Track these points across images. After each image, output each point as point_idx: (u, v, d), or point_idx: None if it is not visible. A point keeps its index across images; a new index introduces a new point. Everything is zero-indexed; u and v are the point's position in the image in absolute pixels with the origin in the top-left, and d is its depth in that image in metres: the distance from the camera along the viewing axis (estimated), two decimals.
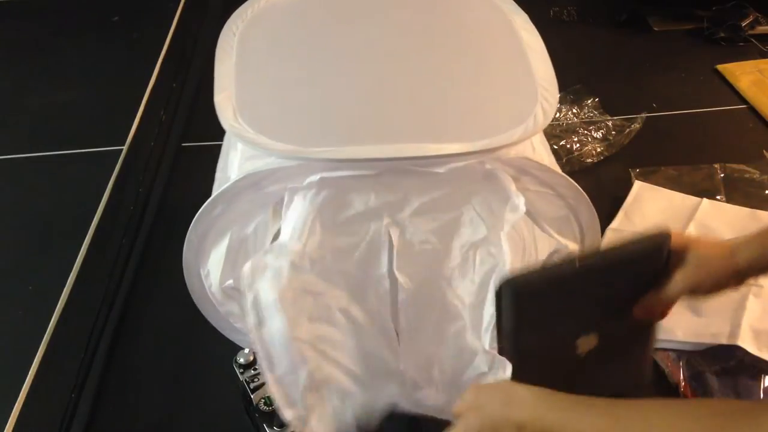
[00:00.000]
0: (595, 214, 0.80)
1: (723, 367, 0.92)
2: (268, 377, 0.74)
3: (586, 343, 0.63)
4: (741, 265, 0.61)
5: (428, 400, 0.83)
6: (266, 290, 0.71)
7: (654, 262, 0.62)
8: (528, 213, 0.75)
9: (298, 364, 0.74)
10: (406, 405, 0.83)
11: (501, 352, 0.63)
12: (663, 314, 0.64)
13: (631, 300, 0.63)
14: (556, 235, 0.81)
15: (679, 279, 0.62)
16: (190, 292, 0.85)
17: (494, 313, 0.63)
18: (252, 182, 0.74)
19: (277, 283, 0.74)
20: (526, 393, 0.55)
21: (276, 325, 0.72)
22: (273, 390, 0.74)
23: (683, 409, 0.54)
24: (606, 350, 0.63)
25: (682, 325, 0.97)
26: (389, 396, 0.82)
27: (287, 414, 0.74)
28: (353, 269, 0.80)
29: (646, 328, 0.65)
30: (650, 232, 0.63)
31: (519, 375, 0.62)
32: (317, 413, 0.76)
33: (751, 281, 0.63)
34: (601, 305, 0.63)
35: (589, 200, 0.78)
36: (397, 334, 0.85)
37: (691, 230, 1.13)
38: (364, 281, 0.81)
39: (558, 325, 0.62)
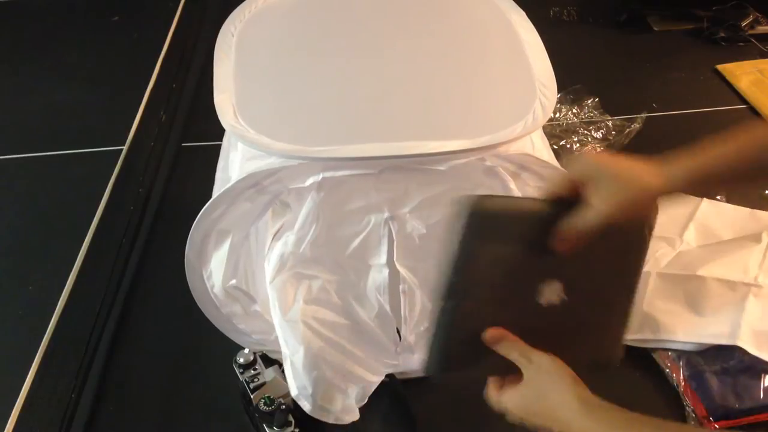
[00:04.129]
0: None
1: (723, 367, 0.92)
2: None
3: (550, 293, 0.59)
4: (668, 182, 0.55)
5: (416, 363, 0.91)
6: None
7: (635, 232, 0.58)
8: None
9: (296, 344, 0.80)
10: (395, 369, 0.91)
11: (453, 286, 0.58)
12: (575, 245, 0.57)
13: (604, 257, 0.59)
14: None
15: (595, 202, 0.54)
16: (192, 293, 0.85)
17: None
18: (253, 182, 0.74)
19: (275, 269, 0.79)
20: (571, 398, 0.53)
21: (274, 308, 0.78)
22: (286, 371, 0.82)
23: None
24: (573, 311, 0.60)
25: (682, 325, 0.98)
26: (378, 366, 0.89)
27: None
28: (352, 257, 0.82)
29: (621, 301, 0.62)
30: None
31: (471, 314, 0.59)
32: (321, 391, 0.81)
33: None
34: (569, 257, 0.58)
35: None
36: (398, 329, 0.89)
37: (691, 230, 1.13)
38: (363, 269, 0.83)
39: (519, 261, 0.58)
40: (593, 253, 0.58)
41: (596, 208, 0.54)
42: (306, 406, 0.81)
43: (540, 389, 0.56)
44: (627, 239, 0.59)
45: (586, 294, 0.60)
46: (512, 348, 0.58)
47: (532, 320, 0.59)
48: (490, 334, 0.58)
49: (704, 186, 0.57)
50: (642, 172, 0.55)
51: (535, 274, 0.59)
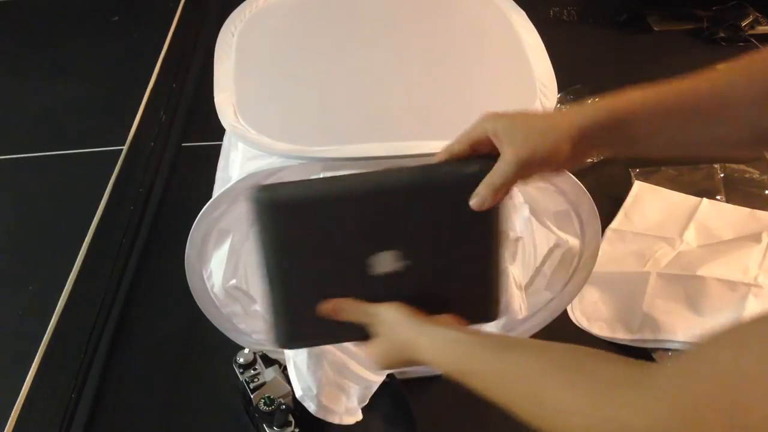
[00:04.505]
0: (595, 208, 0.80)
1: None
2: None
3: (384, 263, 0.60)
4: (578, 122, 0.54)
5: None
6: None
7: (462, 191, 0.58)
8: (528, 208, 0.76)
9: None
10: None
11: (267, 270, 0.60)
12: (495, 200, 0.57)
13: (448, 227, 0.60)
14: (555, 230, 0.82)
15: (509, 154, 0.54)
16: (192, 293, 0.85)
17: None
18: (254, 182, 0.74)
19: None
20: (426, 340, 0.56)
21: None
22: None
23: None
24: (421, 275, 0.61)
25: (682, 325, 0.98)
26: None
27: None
28: None
29: (479, 262, 0.62)
30: (467, 165, 0.58)
31: (302, 294, 0.61)
32: (329, 393, 0.81)
33: (592, 159, 0.57)
34: (397, 226, 0.59)
35: (589, 195, 0.78)
36: None
37: (691, 230, 1.13)
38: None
39: (334, 241, 0.60)
40: (423, 220, 0.59)
41: (512, 160, 0.54)
42: (311, 406, 0.81)
43: (389, 337, 0.58)
44: (467, 208, 0.59)
45: (429, 259, 0.61)
46: (353, 311, 0.60)
47: (376, 289, 0.60)
48: (324, 308, 0.60)
49: (616, 131, 0.55)
50: (553, 116, 0.56)
51: (358, 249, 0.60)
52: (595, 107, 0.55)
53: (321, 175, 0.70)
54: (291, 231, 0.59)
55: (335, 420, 0.83)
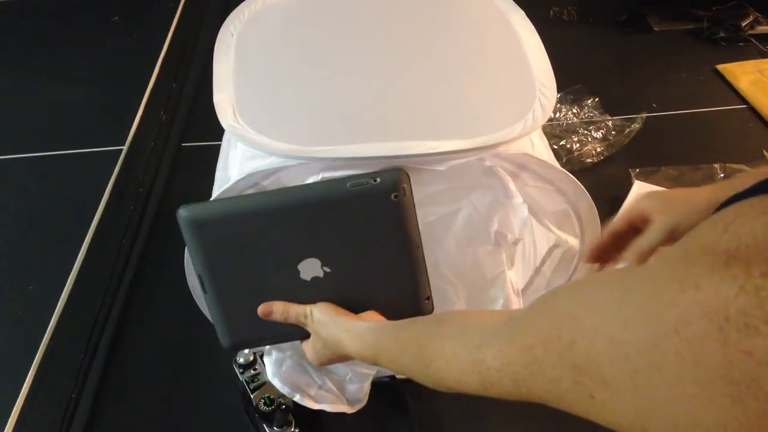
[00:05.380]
0: (595, 208, 0.80)
1: None
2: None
3: (310, 269, 0.65)
4: (715, 204, 0.58)
5: None
6: None
7: (378, 202, 0.63)
8: (528, 208, 0.76)
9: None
10: None
11: (201, 280, 0.66)
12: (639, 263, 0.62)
13: (362, 234, 0.65)
14: (555, 230, 0.82)
15: (657, 222, 0.60)
16: (192, 293, 0.85)
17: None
18: (253, 182, 0.74)
19: None
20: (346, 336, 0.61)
21: None
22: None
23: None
24: (343, 279, 0.66)
25: None
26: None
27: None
28: None
29: (398, 259, 0.66)
30: (373, 177, 0.63)
31: (238, 299, 0.67)
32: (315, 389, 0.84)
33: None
34: (315, 237, 0.65)
35: (588, 195, 0.78)
36: None
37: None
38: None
39: (260, 252, 0.65)
40: (335, 230, 0.65)
41: (658, 225, 0.60)
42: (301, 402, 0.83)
43: (320, 335, 0.63)
44: (381, 215, 0.65)
45: (349, 264, 0.66)
46: (286, 313, 0.65)
47: (307, 293, 0.66)
48: (260, 310, 0.66)
49: None
50: (699, 190, 0.60)
51: (288, 259, 0.65)
52: (740, 179, 0.59)
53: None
54: (215, 245, 0.65)
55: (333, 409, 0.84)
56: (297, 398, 0.84)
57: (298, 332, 0.66)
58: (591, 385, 0.34)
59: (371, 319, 0.64)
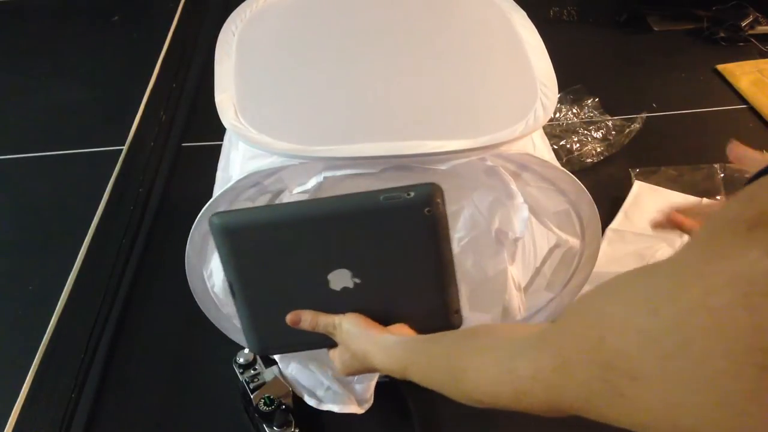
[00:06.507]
0: (596, 208, 0.80)
1: None
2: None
3: (340, 280, 0.65)
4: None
5: None
6: None
7: (412, 216, 0.63)
8: (529, 208, 0.76)
9: None
10: None
11: (231, 287, 0.66)
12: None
13: (394, 246, 0.65)
14: (556, 230, 0.82)
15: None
16: (193, 293, 0.85)
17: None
18: (254, 181, 0.74)
19: None
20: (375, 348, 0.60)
21: None
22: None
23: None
24: (374, 290, 0.66)
25: None
26: None
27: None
28: None
29: (430, 272, 0.66)
30: (408, 191, 0.63)
31: (268, 306, 0.67)
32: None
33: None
34: (346, 248, 0.65)
35: (589, 195, 0.78)
36: None
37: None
38: None
39: (291, 261, 0.65)
40: (367, 242, 0.65)
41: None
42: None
43: (348, 346, 0.64)
44: (414, 229, 0.64)
45: (379, 276, 0.66)
46: (314, 323, 0.65)
47: (336, 303, 0.66)
48: (289, 319, 0.66)
49: None
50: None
51: (316, 266, 0.65)
52: None
53: (310, 184, 0.74)
54: (246, 252, 0.65)
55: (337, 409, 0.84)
56: (310, 401, 0.84)
57: (325, 341, 0.67)
58: (620, 382, 0.32)
59: (400, 332, 0.63)
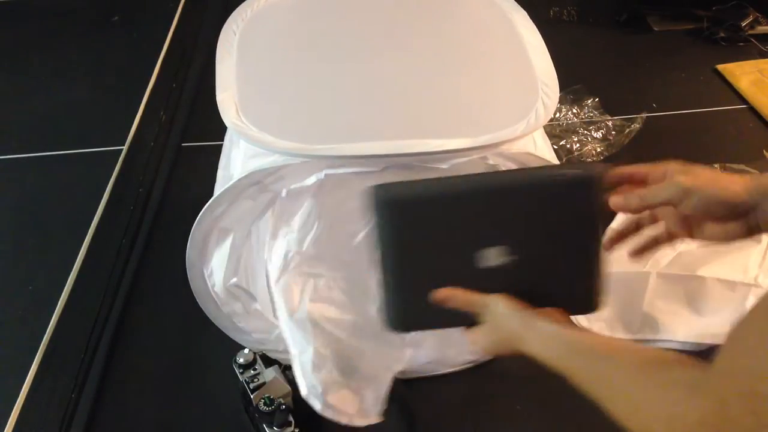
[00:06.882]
0: None
1: None
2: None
3: (495, 257, 0.63)
4: (748, 190, 0.56)
5: (423, 358, 0.93)
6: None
7: (577, 195, 0.62)
8: None
9: (304, 343, 0.81)
10: (403, 366, 0.92)
11: (382, 262, 0.64)
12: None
13: (553, 225, 0.63)
14: None
15: (675, 180, 0.59)
16: (193, 292, 0.85)
17: None
18: (255, 180, 0.74)
19: (280, 268, 0.80)
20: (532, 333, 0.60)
21: (280, 308, 0.79)
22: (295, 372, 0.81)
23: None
24: (527, 268, 0.64)
25: (682, 325, 0.97)
26: (387, 362, 0.90)
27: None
28: (355, 254, 0.83)
29: (584, 255, 0.65)
30: (574, 170, 0.62)
31: (415, 284, 0.64)
32: (337, 393, 0.82)
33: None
34: (506, 224, 0.63)
35: None
36: None
37: None
38: (366, 265, 0.83)
39: (446, 236, 0.64)
40: (530, 219, 0.63)
41: (676, 183, 0.59)
42: (316, 405, 0.81)
43: (497, 327, 0.62)
44: (577, 208, 0.63)
45: (533, 255, 0.64)
46: (463, 301, 0.63)
47: (483, 281, 0.64)
48: (438, 295, 0.63)
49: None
50: (728, 178, 0.59)
51: (471, 245, 0.63)
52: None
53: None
54: (405, 226, 0.63)
55: (343, 421, 0.82)
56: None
57: (465, 320, 0.65)
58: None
59: (554, 318, 0.62)
